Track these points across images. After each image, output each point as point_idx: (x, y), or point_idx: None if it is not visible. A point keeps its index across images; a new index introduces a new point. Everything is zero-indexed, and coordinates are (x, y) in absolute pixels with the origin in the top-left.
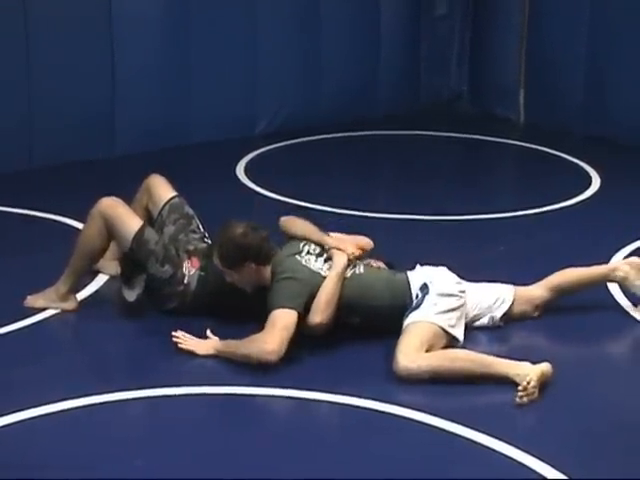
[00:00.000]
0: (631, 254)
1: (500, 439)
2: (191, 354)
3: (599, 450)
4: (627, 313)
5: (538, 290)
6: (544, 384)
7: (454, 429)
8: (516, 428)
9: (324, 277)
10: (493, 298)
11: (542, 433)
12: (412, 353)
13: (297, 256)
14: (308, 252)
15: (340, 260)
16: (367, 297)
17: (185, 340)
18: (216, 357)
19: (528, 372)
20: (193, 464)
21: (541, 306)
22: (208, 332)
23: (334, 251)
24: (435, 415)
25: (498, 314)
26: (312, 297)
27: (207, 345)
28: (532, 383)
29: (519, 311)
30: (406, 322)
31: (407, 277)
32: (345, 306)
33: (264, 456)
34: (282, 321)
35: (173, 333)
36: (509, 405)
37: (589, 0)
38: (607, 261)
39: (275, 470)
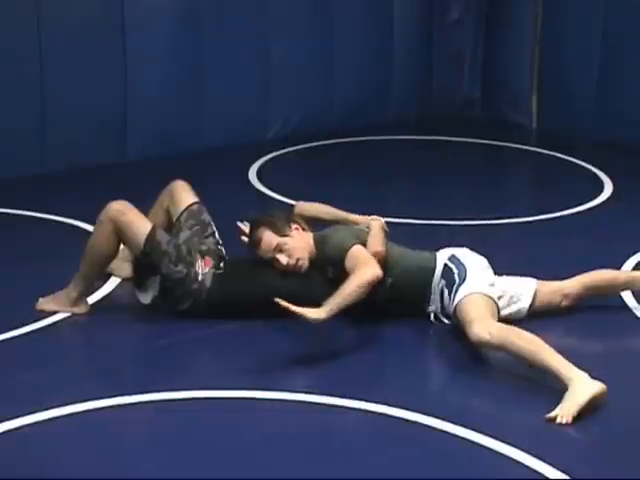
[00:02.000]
0: None
1: (509, 443)
2: (303, 319)
3: (610, 457)
4: (635, 314)
5: (569, 283)
6: (591, 407)
7: (459, 432)
8: (529, 433)
9: (367, 232)
10: (517, 287)
11: (550, 437)
12: (486, 322)
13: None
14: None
15: (377, 224)
16: (399, 258)
17: (294, 308)
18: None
19: (581, 387)
20: (203, 468)
21: (569, 297)
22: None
23: (367, 221)
24: (438, 418)
25: (524, 304)
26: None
27: (315, 311)
28: (573, 415)
29: (545, 302)
30: (458, 297)
31: (435, 254)
32: (383, 264)
33: (273, 460)
34: (364, 252)
35: (279, 302)
36: (526, 410)
37: (603, 6)
38: (619, 266)
39: (283, 473)
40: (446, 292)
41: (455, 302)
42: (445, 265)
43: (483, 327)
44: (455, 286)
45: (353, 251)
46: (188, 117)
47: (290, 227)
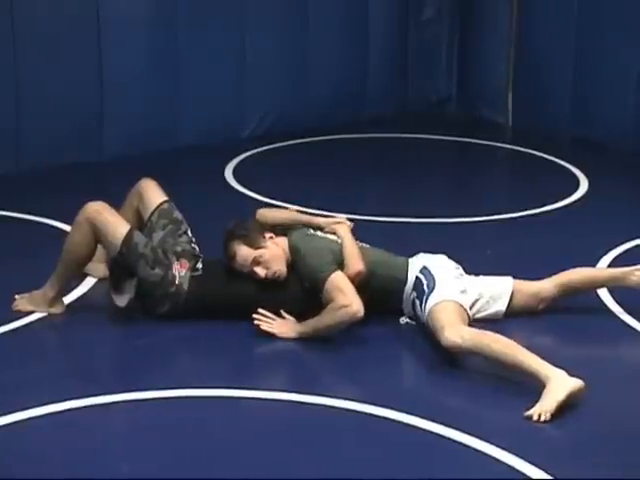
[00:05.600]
0: (619, 256)
1: (487, 441)
2: (272, 336)
3: (588, 455)
4: (617, 317)
5: (544, 285)
6: (570, 403)
7: (447, 433)
8: (508, 431)
9: (340, 244)
10: (493, 289)
11: (532, 437)
12: (456, 327)
13: (310, 231)
14: (314, 230)
15: (344, 228)
16: (370, 264)
17: (267, 321)
18: (295, 340)
19: (559, 384)
20: (183, 467)
21: (546, 300)
22: (283, 312)
23: (334, 226)
24: (416, 415)
25: (501, 306)
26: (339, 263)
27: (288, 328)
28: (551, 411)
29: (521, 303)
30: (428, 305)
31: (407, 260)
32: None
33: (252, 458)
34: (343, 282)
35: (254, 315)
36: (504, 407)
37: (577, 4)
38: (595, 263)
39: (263, 472)
40: (417, 303)
41: (426, 311)
42: (416, 277)
43: (454, 331)
44: (425, 296)
45: (332, 281)
46: (164, 116)
47: (264, 237)
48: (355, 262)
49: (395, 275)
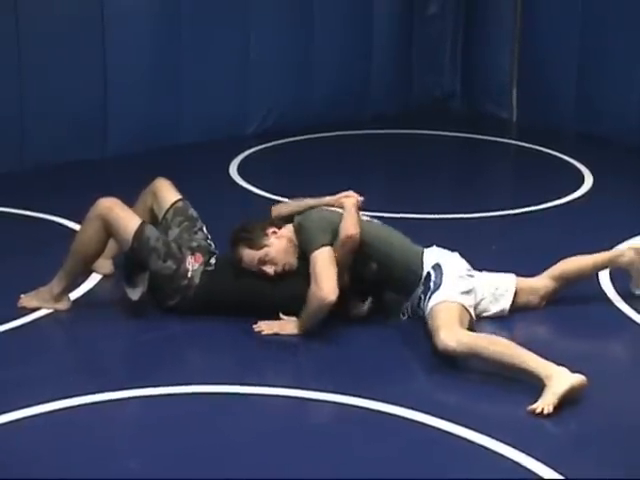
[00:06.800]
0: None
1: (491, 436)
2: (275, 335)
3: (596, 451)
4: (616, 306)
5: (542, 280)
6: (572, 398)
7: (451, 429)
8: (511, 427)
9: (341, 214)
10: (497, 287)
11: (535, 432)
12: (453, 330)
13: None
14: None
15: (350, 201)
16: (384, 242)
17: (267, 327)
18: (300, 336)
19: (560, 379)
20: (187, 464)
21: (546, 296)
22: (281, 315)
23: (342, 200)
24: (432, 415)
25: (505, 304)
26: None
27: (288, 326)
28: (553, 404)
29: (523, 301)
30: (430, 303)
31: (422, 250)
32: (363, 245)
33: (258, 455)
34: (322, 262)
35: (254, 326)
36: (507, 403)
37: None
38: None
39: (269, 470)
40: (422, 297)
41: (427, 309)
42: (428, 272)
43: (451, 335)
44: (429, 293)
45: (315, 257)
46: (168, 113)
47: (267, 235)
48: (348, 226)
49: (413, 269)
